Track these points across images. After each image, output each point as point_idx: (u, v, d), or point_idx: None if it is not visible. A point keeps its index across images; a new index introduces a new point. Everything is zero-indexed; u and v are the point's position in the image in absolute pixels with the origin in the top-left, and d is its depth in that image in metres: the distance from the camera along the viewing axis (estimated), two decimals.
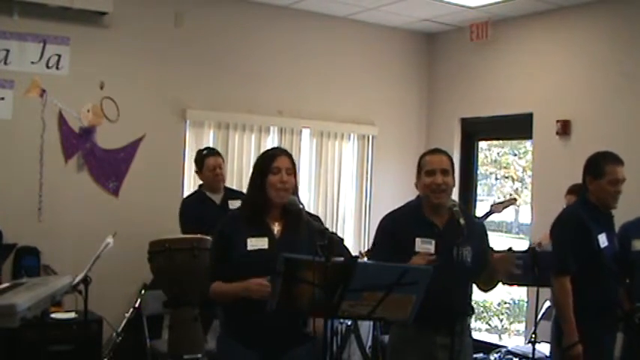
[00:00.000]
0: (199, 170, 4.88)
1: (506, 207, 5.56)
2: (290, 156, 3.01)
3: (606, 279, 3.62)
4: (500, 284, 3.58)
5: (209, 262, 3.08)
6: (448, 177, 3.12)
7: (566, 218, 3.72)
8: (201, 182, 4.97)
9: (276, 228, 2.95)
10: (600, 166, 3.62)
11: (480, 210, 5.46)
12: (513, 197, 5.69)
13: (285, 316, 2.71)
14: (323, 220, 6.03)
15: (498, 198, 5.56)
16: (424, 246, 3.03)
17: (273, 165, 2.93)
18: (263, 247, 2.87)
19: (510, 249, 3.11)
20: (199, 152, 5.01)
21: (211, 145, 5.70)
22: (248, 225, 2.92)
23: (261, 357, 2.87)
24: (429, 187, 3.08)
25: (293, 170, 2.97)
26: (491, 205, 5.48)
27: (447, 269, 2.87)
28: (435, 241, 3.04)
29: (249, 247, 2.86)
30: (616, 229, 3.81)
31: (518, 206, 5.66)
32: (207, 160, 4.81)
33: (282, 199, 2.91)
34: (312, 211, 6.22)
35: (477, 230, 3.21)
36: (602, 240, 3.61)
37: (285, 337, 2.88)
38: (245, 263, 2.84)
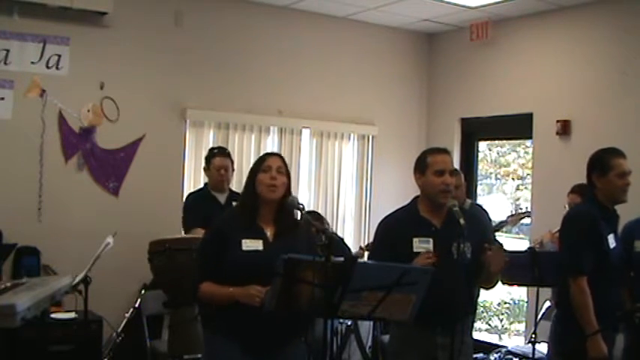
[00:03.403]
0: (207, 168, 4.89)
1: (520, 219, 5.60)
2: (282, 158, 3.04)
3: (613, 280, 3.58)
4: (500, 284, 3.58)
5: (199, 261, 3.03)
6: (454, 177, 3.14)
7: (579, 218, 3.65)
8: (206, 181, 4.98)
9: (269, 231, 2.96)
10: (605, 161, 3.59)
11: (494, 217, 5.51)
12: (528, 210, 5.72)
13: (270, 314, 2.67)
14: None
15: (513, 211, 5.62)
16: (422, 245, 3.03)
17: (264, 164, 2.97)
18: (258, 249, 2.87)
19: (500, 245, 3.09)
20: (211, 150, 5.02)
21: (211, 145, 5.68)
22: (242, 226, 2.92)
23: (252, 357, 2.85)
24: (439, 187, 3.07)
25: (285, 171, 2.99)
26: (508, 217, 5.49)
27: (446, 268, 2.87)
28: (433, 240, 3.04)
29: (244, 248, 2.86)
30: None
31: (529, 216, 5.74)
32: (214, 159, 4.82)
33: (272, 195, 2.92)
34: None
35: (478, 227, 3.21)
36: (611, 240, 3.58)
37: (279, 337, 2.87)
38: (240, 264, 2.84)
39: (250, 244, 2.87)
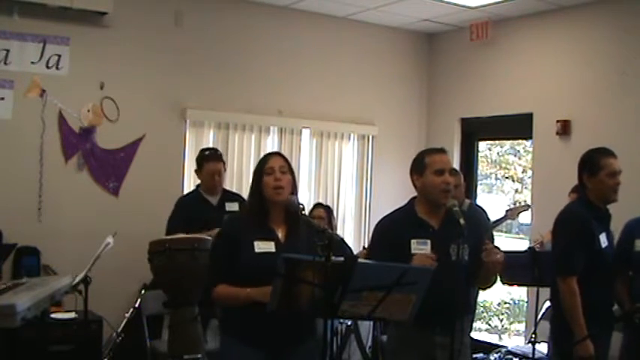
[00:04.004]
0: (199, 170, 4.86)
1: (520, 213, 5.57)
2: (283, 156, 3.05)
3: (605, 279, 3.60)
4: (500, 284, 3.58)
5: (212, 264, 3.05)
6: (453, 177, 3.13)
7: (569, 217, 3.66)
8: (199, 182, 4.96)
9: (281, 232, 2.97)
10: (595, 161, 3.60)
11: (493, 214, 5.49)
12: (527, 204, 5.69)
13: (288, 315, 2.70)
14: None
15: (511, 205, 5.59)
16: (420, 247, 3.01)
17: (266, 166, 2.96)
18: (270, 250, 2.88)
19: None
20: (202, 152, 4.94)
21: (211, 145, 5.68)
22: (253, 228, 2.93)
23: (264, 356, 2.87)
24: (439, 186, 3.05)
25: (288, 169, 2.99)
26: (506, 211, 5.47)
27: (443, 268, 2.86)
28: (431, 241, 3.04)
29: (257, 250, 2.87)
30: (615, 228, 3.80)
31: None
32: (207, 164, 4.74)
33: (279, 197, 2.93)
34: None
35: (477, 229, 3.20)
36: (603, 240, 3.59)
37: (288, 336, 2.88)
38: (253, 266, 2.84)
39: (262, 246, 2.88)
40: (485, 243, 3.00)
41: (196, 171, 4.89)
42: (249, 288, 2.80)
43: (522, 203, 5.69)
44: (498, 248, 3.02)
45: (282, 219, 2.98)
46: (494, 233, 5.42)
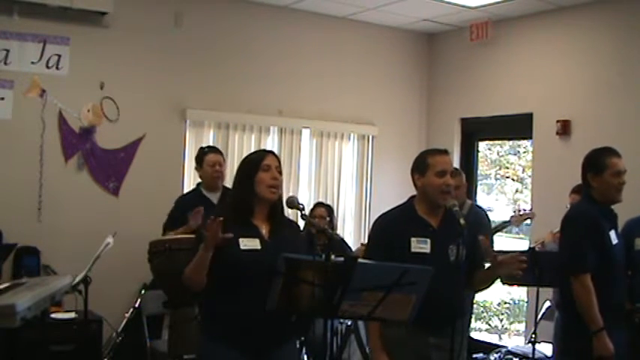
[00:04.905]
0: (199, 167, 4.84)
1: (524, 220, 5.55)
2: (278, 156, 3.02)
3: (618, 276, 3.58)
4: (499, 284, 3.58)
5: (190, 257, 2.94)
6: (454, 178, 3.15)
7: (578, 216, 3.65)
8: (199, 181, 4.95)
9: (264, 229, 2.94)
10: (600, 161, 3.59)
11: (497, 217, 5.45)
12: (532, 212, 5.66)
13: (268, 314, 2.64)
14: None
15: (517, 211, 5.56)
16: (420, 245, 3.02)
17: (264, 162, 2.92)
18: (256, 248, 2.86)
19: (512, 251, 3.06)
20: (201, 149, 4.94)
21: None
22: (237, 225, 2.87)
23: (245, 357, 2.84)
24: (440, 187, 3.05)
25: (280, 170, 2.97)
26: (511, 217, 5.46)
27: (442, 268, 2.85)
28: (431, 240, 3.04)
29: (242, 247, 2.84)
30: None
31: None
32: (208, 156, 4.73)
33: (273, 196, 2.91)
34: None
35: (476, 231, 3.20)
36: (613, 237, 3.58)
37: (269, 335, 2.85)
38: (240, 263, 2.82)
39: (248, 243, 2.85)
40: (491, 253, 3.00)
41: (197, 168, 4.88)
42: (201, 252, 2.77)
43: (528, 211, 5.65)
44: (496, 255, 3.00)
45: (266, 216, 2.95)
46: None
